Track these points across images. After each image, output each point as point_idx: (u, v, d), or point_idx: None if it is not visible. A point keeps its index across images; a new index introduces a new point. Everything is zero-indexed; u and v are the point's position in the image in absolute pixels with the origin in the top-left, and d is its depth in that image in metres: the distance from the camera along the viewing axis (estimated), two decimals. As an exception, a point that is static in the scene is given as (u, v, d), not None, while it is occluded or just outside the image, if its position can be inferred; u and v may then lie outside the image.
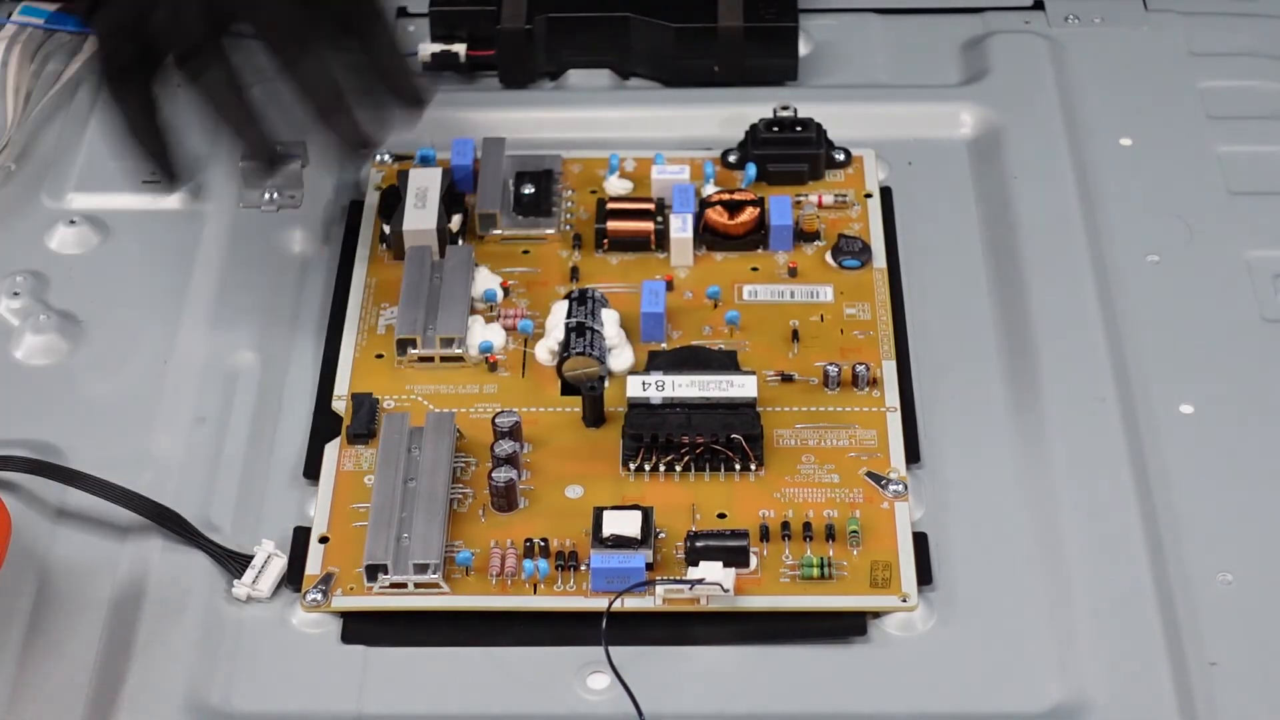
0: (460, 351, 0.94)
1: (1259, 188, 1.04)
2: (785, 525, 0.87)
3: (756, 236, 1.00)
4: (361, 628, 0.84)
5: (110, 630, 0.84)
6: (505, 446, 0.88)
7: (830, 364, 0.93)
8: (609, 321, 0.94)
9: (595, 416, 0.91)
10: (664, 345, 0.95)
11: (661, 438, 0.88)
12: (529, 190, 1.02)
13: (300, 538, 0.87)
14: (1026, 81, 1.10)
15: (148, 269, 1.01)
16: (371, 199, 1.04)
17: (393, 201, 1.01)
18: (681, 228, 0.99)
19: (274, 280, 1.00)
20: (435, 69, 1.12)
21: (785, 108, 1.06)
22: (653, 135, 1.07)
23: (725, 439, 0.88)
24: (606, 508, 0.86)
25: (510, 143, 1.04)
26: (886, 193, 1.04)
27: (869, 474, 0.89)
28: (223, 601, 0.85)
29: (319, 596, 0.85)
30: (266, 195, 1.03)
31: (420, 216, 1.00)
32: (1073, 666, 0.82)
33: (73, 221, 1.03)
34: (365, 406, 0.92)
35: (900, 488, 0.88)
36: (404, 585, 0.84)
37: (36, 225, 1.03)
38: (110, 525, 0.88)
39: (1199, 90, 1.10)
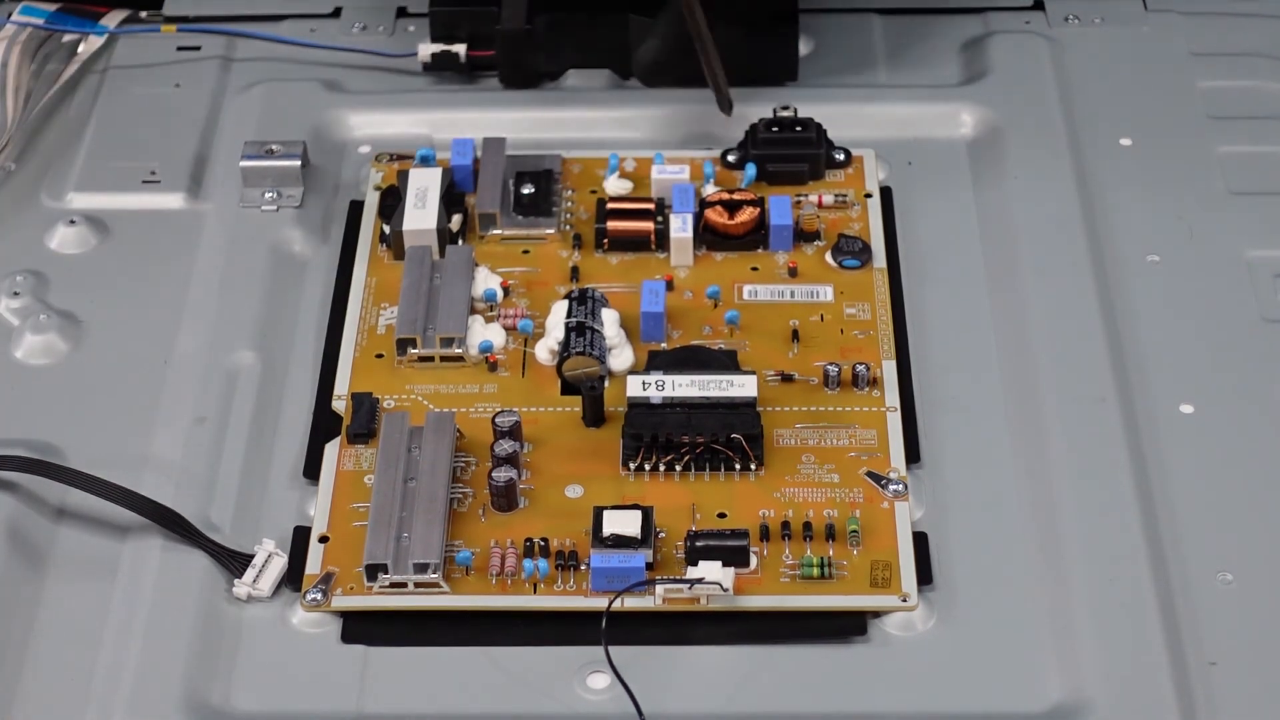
0: (460, 351, 0.94)
1: (1259, 188, 1.04)
2: (785, 525, 0.87)
3: (756, 236, 1.00)
4: (361, 627, 0.84)
5: (111, 630, 0.84)
6: (505, 446, 0.88)
7: (830, 364, 0.93)
8: (609, 321, 0.94)
9: (595, 416, 0.91)
10: (664, 345, 0.95)
11: (661, 437, 0.88)
12: (529, 190, 1.02)
13: (300, 537, 0.87)
14: (1027, 81, 1.10)
15: (148, 269, 1.01)
16: (371, 199, 1.04)
17: (393, 201, 1.01)
18: (681, 227, 0.99)
19: (274, 280, 1.00)
20: (435, 69, 1.12)
21: (785, 108, 1.06)
22: (652, 135, 1.08)
23: (725, 439, 0.88)
24: (606, 507, 0.86)
25: (510, 142, 1.04)
26: (886, 193, 1.04)
27: (869, 474, 0.89)
28: (223, 601, 0.85)
29: (319, 596, 0.85)
30: (266, 195, 1.03)
31: (420, 216, 1.00)
32: (1073, 666, 0.82)
33: (72, 221, 1.03)
34: (365, 406, 0.92)
35: (900, 487, 0.88)
36: (404, 585, 0.84)
37: (36, 225, 1.03)
38: (110, 525, 0.88)
39: (1199, 90, 1.10)
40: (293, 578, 0.86)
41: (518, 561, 0.85)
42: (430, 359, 0.94)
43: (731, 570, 0.83)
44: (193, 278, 1.00)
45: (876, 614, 0.84)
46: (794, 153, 1.04)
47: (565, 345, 0.93)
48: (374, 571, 0.84)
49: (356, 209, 1.04)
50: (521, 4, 1.10)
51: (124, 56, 1.14)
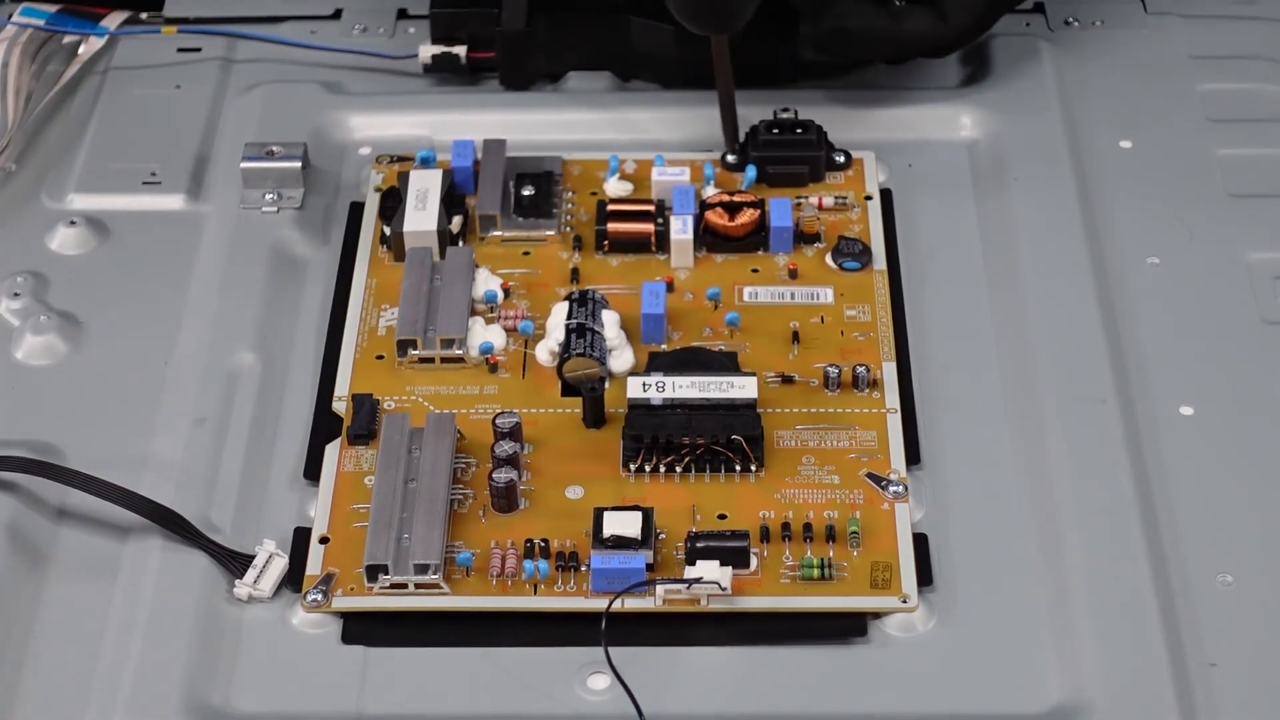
0: (460, 352, 0.94)
1: (1259, 190, 1.04)
2: (785, 526, 0.87)
3: (757, 238, 1.00)
4: (362, 628, 0.84)
5: (111, 631, 0.84)
6: (505, 447, 0.89)
7: (830, 365, 0.93)
8: (609, 323, 0.94)
9: (595, 417, 0.91)
10: (664, 346, 0.95)
11: (662, 438, 0.89)
12: (529, 192, 1.02)
13: (301, 538, 0.87)
14: (1027, 84, 1.10)
15: (148, 270, 1.01)
16: (372, 200, 1.04)
17: (393, 203, 1.01)
18: (682, 229, 0.99)
19: (274, 281, 1.00)
20: (436, 71, 1.12)
21: (785, 109, 1.06)
22: (653, 137, 1.08)
23: (725, 440, 0.88)
24: (607, 508, 0.86)
25: (511, 144, 1.04)
26: (886, 195, 1.04)
27: (869, 475, 0.89)
28: (223, 601, 0.85)
29: (319, 597, 0.85)
30: (267, 196, 1.03)
31: (421, 218, 1.00)
32: (1073, 668, 0.82)
33: (73, 222, 1.03)
34: (366, 407, 0.92)
35: (900, 489, 0.88)
36: (404, 586, 0.84)
37: (37, 226, 1.03)
38: (111, 525, 0.88)
39: (1199, 93, 1.10)
40: (293, 578, 0.86)
41: (518, 562, 0.85)
42: (431, 360, 0.94)
43: (729, 569, 0.84)
44: (193, 279, 1.00)
45: (877, 615, 0.84)
46: (794, 155, 1.04)
47: (566, 347, 0.93)
48: (374, 572, 0.84)
49: (357, 210, 1.04)
50: (522, 5, 1.10)
51: (124, 58, 1.14)
